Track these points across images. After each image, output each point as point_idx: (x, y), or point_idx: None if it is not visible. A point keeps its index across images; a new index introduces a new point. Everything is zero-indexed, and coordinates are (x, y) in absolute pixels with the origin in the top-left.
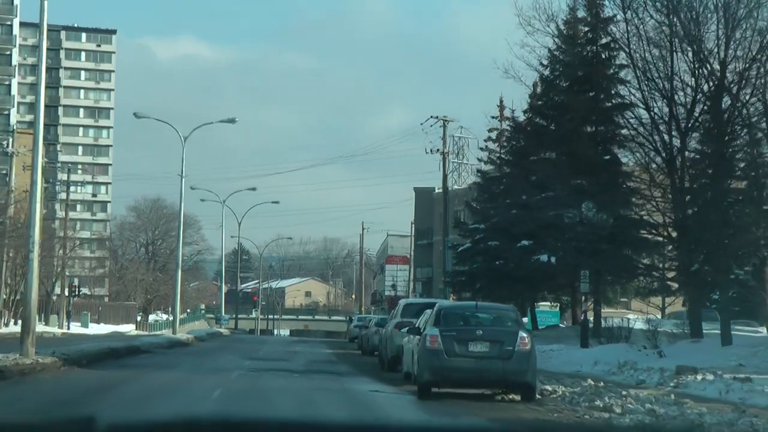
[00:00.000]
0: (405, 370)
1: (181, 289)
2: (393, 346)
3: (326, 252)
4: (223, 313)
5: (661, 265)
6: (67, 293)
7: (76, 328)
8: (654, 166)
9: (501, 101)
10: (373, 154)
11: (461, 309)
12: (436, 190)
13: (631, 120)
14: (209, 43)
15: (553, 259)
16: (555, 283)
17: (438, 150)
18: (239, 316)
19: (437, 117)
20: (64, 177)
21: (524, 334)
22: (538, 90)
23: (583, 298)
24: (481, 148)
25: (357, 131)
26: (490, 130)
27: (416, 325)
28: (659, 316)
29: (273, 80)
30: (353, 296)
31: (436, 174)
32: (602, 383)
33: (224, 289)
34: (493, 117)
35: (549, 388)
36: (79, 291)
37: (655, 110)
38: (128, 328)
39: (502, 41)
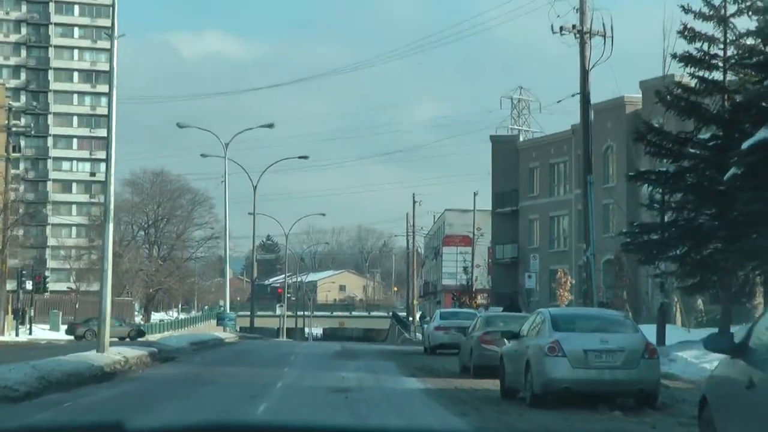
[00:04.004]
0: None
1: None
2: None
3: (361, 242)
4: (228, 310)
5: None
6: (29, 287)
7: (41, 332)
8: None
9: None
10: (409, 146)
11: None
12: (521, 139)
13: None
14: (236, 36)
15: None
16: None
17: (573, 27)
18: (263, 313)
19: None
20: (57, 153)
21: None
22: None
23: None
24: None
25: (389, 122)
26: None
27: None
28: None
29: (301, 73)
30: (395, 288)
31: (481, 164)
32: None
33: (229, 273)
34: None
35: None
36: (45, 285)
37: None
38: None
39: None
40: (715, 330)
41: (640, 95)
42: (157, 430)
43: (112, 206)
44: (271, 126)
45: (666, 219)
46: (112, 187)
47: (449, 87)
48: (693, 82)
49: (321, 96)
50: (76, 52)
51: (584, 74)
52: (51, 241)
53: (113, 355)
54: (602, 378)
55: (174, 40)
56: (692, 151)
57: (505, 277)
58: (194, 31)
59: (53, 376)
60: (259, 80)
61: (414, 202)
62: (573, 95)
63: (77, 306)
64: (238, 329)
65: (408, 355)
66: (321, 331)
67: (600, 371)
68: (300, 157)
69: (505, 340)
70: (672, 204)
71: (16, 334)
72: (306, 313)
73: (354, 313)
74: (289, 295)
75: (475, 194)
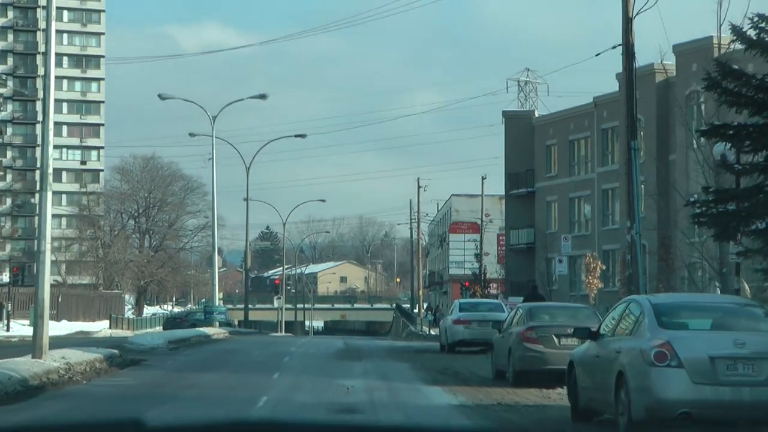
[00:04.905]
0: None
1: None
2: None
3: (362, 233)
4: (217, 302)
5: None
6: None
7: (20, 328)
8: None
9: None
10: (406, 138)
11: None
12: (537, 114)
13: None
14: (235, 28)
15: None
16: None
17: None
18: (262, 306)
19: None
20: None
21: None
22: None
23: None
24: None
25: (388, 111)
26: None
27: None
28: None
29: (300, 65)
30: (398, 279)
31: (486, 150)
32: None
33: (218, 261)
34: None
35: None
36: (23, 277)
37: None
38: (101, 326)
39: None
40: None
41: (672, 63)
42: (177, 427)
43: (50, 169)
44: (263, 97)
45: (743, 185)
46: (50, 148)
47: (450, 72)
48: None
49: (319, 85)
50: (65, 36)
51: (627, 22)
52: None
53: (52, 361)
54: (740, 399)
55: (173, 32)
56: None
57: (520, 264)
58: (193, 23)
59: None
60: (258, 71)
61: (419, 187)
62: (614, 47)
63: (60, 300)
64: (237, 323)
65: (422, 353)
66: (322, 324)
67: (736, 390)
68: (297, 136)
69: (556, 338)
70: (757, 165)
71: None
72: (306, 305)
73: (356, 306)
74: (288, 287)
75: (483, 178)
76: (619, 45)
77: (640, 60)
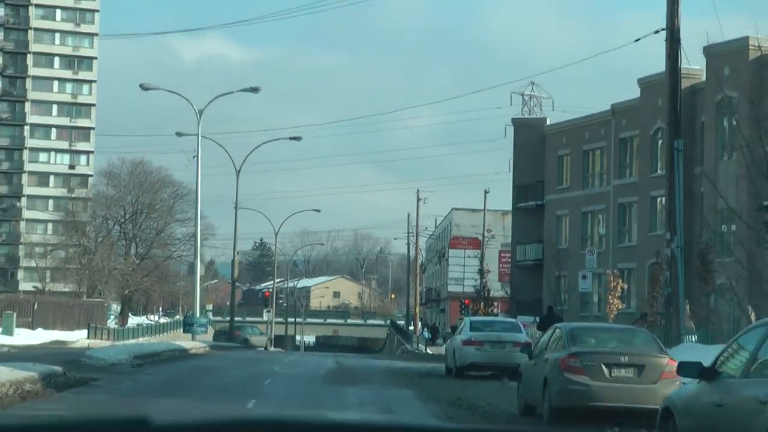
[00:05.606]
0: None
1: None
2: None
3: (356, 248)
4: (198, 314)
5: None
6: None
7: None
8: None
9: None
10: (403, 154)
11: None
12: (548, 122)
13: None
14: (235, 42)
15: None
16: None
17: None
18: (252, 319)
19: None
20: (34, 143)
21: None
22: None
23: None
24: None
25: (384, 130)
26: None
27: None
28: None
29: (300, 78)
30: (392, 296)
31: (484, 183)
32: None
33: (199, 268)
34: None
35: None
36: None
37: None
38: (79, 336)
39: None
40: None
41: (700, 67)
42: (183, 426)
43: None
44: (255, 90)
45: None
46: None
47: (451, 86)
48: None
49: (317, 97)
50: (57, 35)
51: (673, 2)
52: (25, 238)
53: None
54: None
55: (173, 44)
56: None
57: (526, 282)
58: (194, 35)
59: None
60: (255, 83)
61: (418, 199)
62: (656, 32)
63: (36, 307)
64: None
65: (425, 377)
66: (313, 340)
67: None
68: (292, 138)
69: (606, 368)
70: None
71: None
72: (298, 319)
73: (349, 321)
74: (280, 301)
75: (486, 191)
76: (663, 29)
77: (659, 65)
